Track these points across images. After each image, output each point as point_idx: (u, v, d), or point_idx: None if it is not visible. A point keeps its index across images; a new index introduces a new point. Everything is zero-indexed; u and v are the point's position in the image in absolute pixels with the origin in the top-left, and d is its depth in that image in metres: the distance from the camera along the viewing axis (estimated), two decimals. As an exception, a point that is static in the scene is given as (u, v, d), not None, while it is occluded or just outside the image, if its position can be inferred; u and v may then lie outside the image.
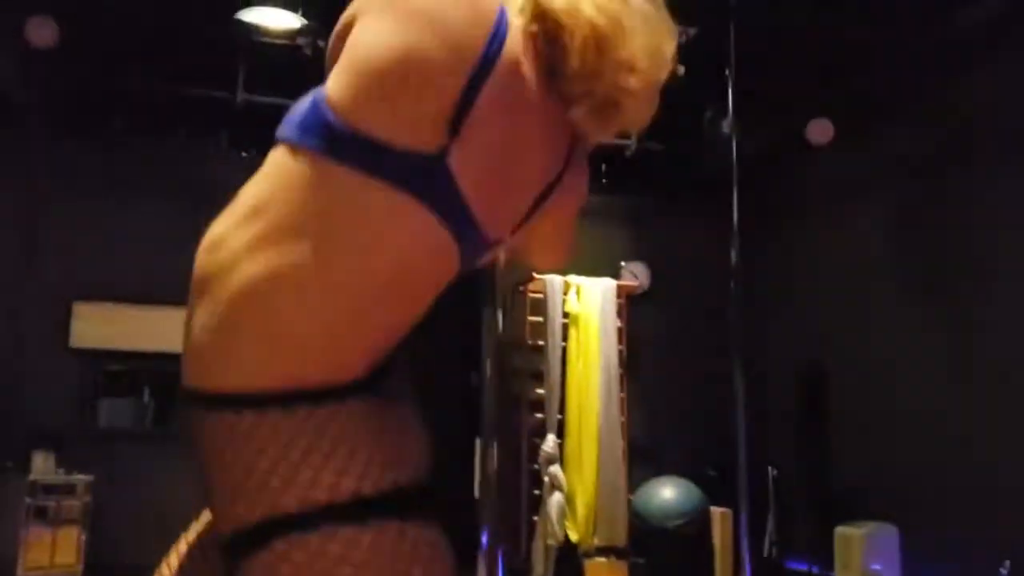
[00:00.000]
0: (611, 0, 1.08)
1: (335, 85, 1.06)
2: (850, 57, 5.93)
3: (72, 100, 6.76)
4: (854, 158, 6.59)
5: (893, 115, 6.30)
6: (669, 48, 1.15)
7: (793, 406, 6.79)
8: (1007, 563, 4.82)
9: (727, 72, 5.46)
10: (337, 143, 1.02)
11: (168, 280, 6.94)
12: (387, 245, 1.01)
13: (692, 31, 5.98)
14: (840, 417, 6.49)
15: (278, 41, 6.01)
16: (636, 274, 7.63)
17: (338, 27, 1.18)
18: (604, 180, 7.93)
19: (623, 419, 7.05)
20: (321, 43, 5.91)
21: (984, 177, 5.55)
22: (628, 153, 7.22)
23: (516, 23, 1.08)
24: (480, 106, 0.99)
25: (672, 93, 5.52)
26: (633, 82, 1.07)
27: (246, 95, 6.52)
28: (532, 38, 1.08)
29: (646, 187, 7.76)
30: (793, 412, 6.78)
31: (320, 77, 4.37)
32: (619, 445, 6.96)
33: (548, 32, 1.07)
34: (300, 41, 6.03)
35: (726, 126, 6.24)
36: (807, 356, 6.80)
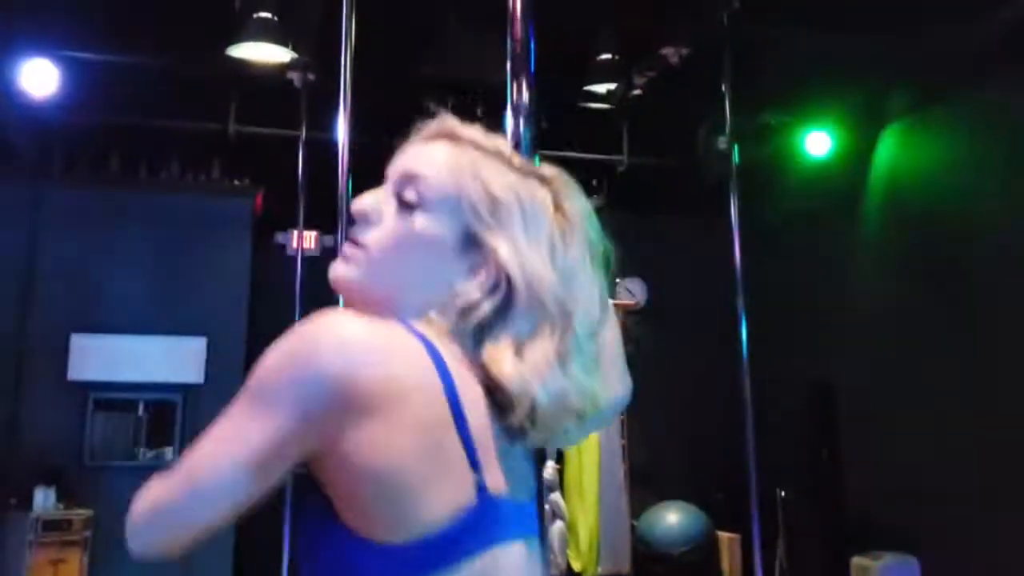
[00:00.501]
0: (558, 381, 1.04)
1: None
2: (845, 68, 5.90)
3: (68, 140, 6.92)
4: (852, 170, 6.52)
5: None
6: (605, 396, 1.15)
7: (801, 426, 6.70)
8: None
9: (724, 88, 5.44)
10: None
11: (164, 311, 7.18)
12: None
13: (684, 51, 6.02)
14: (851, 439, 6.39)
15: (268, 73, 6.09)
16: (632, 291, 7.60)
17: None
18: (595, 196, 7.90)
19: (624, 442, 7.00)
20: (311, 76, 6.02)
21: (986, 191, 5.47)
22: (620, 169, 7.22)
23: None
24: None
25: (665, 110, 5.55)
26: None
27: (238, 127, 6.61)
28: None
29: (639, 203, 7.73)
30: (801, 433, 6.68)
31: (310, 109, 4.41)
32: (621, 469, 6.91)
33: (493, 386, 1.02)
34: (290, 75, 6.10)
35: (722, 142, 6.25)
36: (814, 374, 6.72)
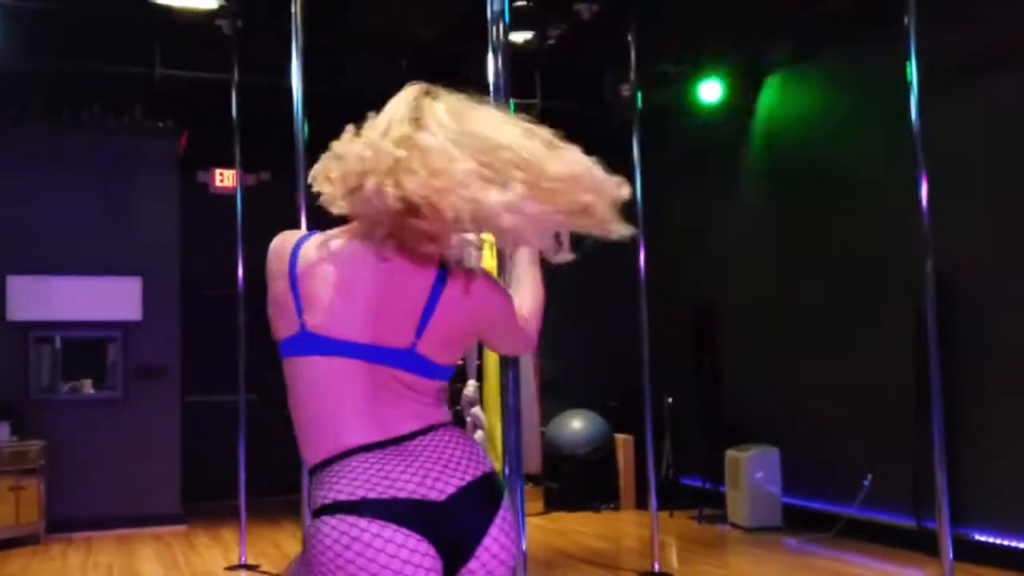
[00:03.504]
0: None
1: None
2: (735, 26, 7.01)
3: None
4: (738, 115, 7.72)
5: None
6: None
7: (688, 340, 8.06)
8: (868, 476, 6.21)
9: (629, 38, 6.41)
10: None
11: (88, 251, 7.76)
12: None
13: (596, 7, 7.03)
14: (728, 351, 7.81)
15: (196, 21, 6.66)
16: (543, 225, 8.71)
17: None
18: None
19: (535, 361, 8.24)
20: (240, 23, 6.65)
21: (844, 134, 6.75)
22: (535, 112, 8.20)
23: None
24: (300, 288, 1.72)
25: (576, 57, 6.86)
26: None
27: (163, 71, 7.15)
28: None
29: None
30: (687, 346, 8.05)
31: (240, 55, 5.53)
32: (532, 384, 8.19)
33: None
34: (219, 22, 6.69)
35: (625, 89, 7.32)
36: (699, 294, 8.05)
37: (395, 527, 1.57)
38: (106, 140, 7.80)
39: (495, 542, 1.67)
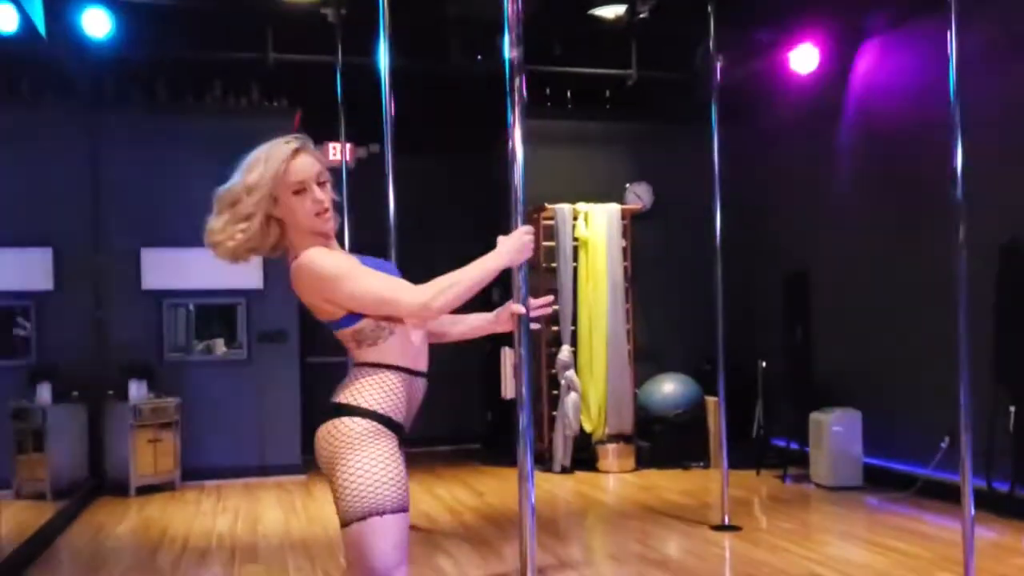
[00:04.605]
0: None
1: None
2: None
3: (121, 74, 8.19)
4: (832, 83, 7.90)
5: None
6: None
7: (780, 307, 8.35)
8: (946, 439, 6.46)
9: (709, 9, 6.72)
10: None
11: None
12: None
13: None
14: (820, 319, 8.08)
15: (304, 9, 7.33)
16: (639, 195, 9.14)
17: None
18: (608, 107, 9.31)
19: (629, 327, 8.75)
20: (344, 12, 7.26)
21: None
22: (629, 83, 8.58)
23: None
24: None
25: (669, 28, 7.40)
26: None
27: (275, 55, 7.84)
28: None
29: (647, 113, 9.16)
30: (780, 312, 8.35)
31: (344, 42, 6.47)
32: (626, 349, 8.69)
33: None
34: (324, 10, 7.32)
35: (710, 60, 7.60)
36: (792, 262, 8.33)
37: None
38: (226, 120, 8.59)
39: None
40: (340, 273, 2.31)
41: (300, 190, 2.36)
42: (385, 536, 2.27)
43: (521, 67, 2.61)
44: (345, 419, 2.32)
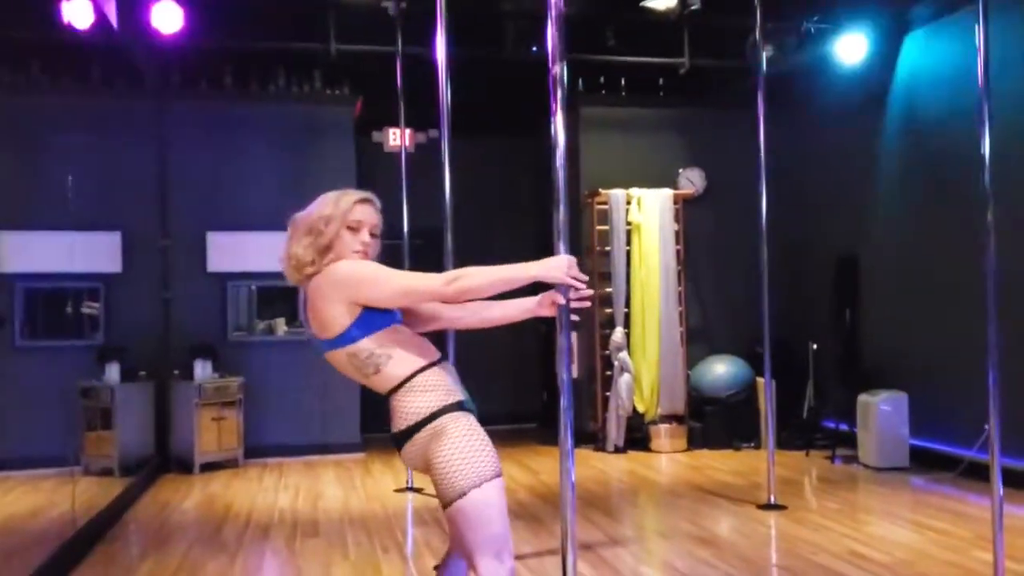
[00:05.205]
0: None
1: None
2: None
3: (190, 65, 8.50)
4: (879, 72, 7.93)
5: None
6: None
7: (831, 290, 8.43)
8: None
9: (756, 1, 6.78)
10: None
11: (276, 208, 8.82)
12: None
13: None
14: (869, 299, 8.15)
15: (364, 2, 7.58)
16: (692, 180, 9.25)
17: None
18: (662, 94, 9.41)
19: (681, 309, 8.90)
20: (403, 5, 7.48)
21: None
22: (682, 71, 8.68)
23: None
24: None
25: (720, 19, 7.65)
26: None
27: (337, 45, 8.09)
28: None
29: (700, 100, 9.27)
30: (830, 295, 8.42)
31: (404, 32, 6.87)
32: (678, 331, 8.84)
33: None
34: (385, 3, 7.55)
35: (767, 48, 7.68)
36: (843, 247, 8.40)
37: None
38: (290, 108, 8.91)
39: None
40: (368, 271, 2.61)
41: (355, 228, 2.69)
42: (491, 503, 2.51)
43: (562, 56, 2.78)
44: (416, 436, 2.58)
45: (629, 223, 8.88)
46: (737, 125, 8.66)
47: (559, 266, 2.63)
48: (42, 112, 8.18)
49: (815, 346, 8.39)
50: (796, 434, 8.42)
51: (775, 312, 6.58)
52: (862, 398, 7.66)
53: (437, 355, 2.69)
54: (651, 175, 9.12)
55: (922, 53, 7.74)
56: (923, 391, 7.41)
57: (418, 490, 6.87)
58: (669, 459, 8.38)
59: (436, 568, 2.91)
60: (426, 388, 2.60)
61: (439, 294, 2.56)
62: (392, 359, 2.60)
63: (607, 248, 8.90)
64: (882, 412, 7.42)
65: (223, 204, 8.68)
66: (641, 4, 7.86)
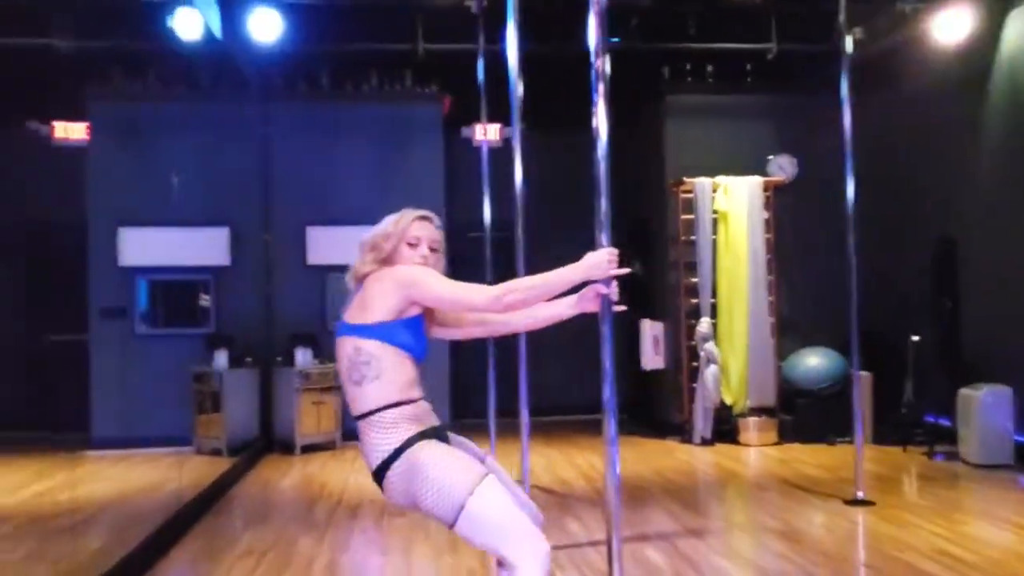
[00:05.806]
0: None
1: None
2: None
3: (289, 69, 8.83)
4: (981, 50, 7.61)
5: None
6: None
7: (928, 279, 8.14)
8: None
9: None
10: None
11: (370, 202, 9.15)
12: None
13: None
14: (969, 288, 7.84)
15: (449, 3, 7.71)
16: (783, 166, 9.06)
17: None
18: (749, 80, 9.25)
19: (771, 299, 8.72)
20: (485, 3, 7.57)
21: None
22: (769, 56, 8.53)
23: None
24: None
25: (809, 2, 7.58)
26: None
27: (425, 44, 8.26)
28: None
29: (789, 86, 9.07)
30: (930, 286, 8.14)
31: (485, 31, 7.03)
32: (768, 322, 8.70)
33: None
34: (468, 3, 7.65)
35: (857, 31, 7.47)
36: (940, 232, 8.08)
37: None
38: (382, 107, 9.11)
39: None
40: (424, 273, 2.82)
41: (414, 244, 2.91)
42: (491, 502, 2.63)
43: (605, 49, 2.93)
44: (389, 473, 2.72)
45: (715, 211, 8.77)
46: (827, 110, 8.42)
47: (598, 264, 2.80)
48: (157, 117, 8.66)
49: (915, 338, 8.12)
50: (894, 429, 8.17)
51: (870, 302, 6.40)
52: (963, 392, 7.37)
53: (419, 397, 2.82)
54: (738, 163, 8.95)
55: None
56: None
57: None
58: (757, 452, 8.26)
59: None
60: (389, 425, 2.72)
61: (487, 308, 2.80)
62: (378, 380, 2.74)
63: (692, 237, 8.81)
64: (984, 407, 7.12)
65: (321, 200, 8.97)
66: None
